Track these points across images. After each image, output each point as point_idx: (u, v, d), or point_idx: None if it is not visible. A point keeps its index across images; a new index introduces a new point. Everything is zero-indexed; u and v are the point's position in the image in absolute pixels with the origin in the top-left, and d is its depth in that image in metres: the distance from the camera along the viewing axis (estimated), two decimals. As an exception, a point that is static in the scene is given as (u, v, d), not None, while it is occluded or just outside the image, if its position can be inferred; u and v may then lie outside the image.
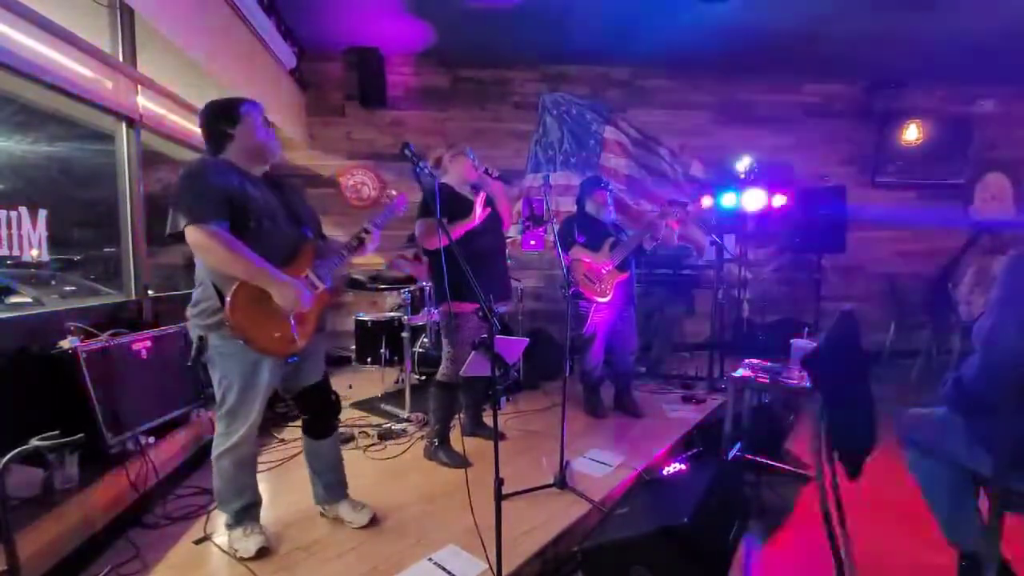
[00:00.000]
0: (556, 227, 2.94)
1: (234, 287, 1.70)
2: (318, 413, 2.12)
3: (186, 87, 3.41)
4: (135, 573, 1.86)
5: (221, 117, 1.82)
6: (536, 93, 5.39)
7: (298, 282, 1.80)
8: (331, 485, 2.19)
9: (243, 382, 1.82)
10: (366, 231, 2.03)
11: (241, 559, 1.91)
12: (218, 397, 1.87)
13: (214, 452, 1.91)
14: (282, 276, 1.75)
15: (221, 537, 2.08)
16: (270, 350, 1.79)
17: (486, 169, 2.78)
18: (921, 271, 5.57)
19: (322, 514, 2.23)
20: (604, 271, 3.35)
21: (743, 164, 4.82)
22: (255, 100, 1.90)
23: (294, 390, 2.05)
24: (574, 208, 5.36)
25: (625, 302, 3.45)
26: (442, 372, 2.79)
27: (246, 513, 1.98)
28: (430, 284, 3.47)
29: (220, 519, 2.21)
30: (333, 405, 2.16)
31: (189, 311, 1.85)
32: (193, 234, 1.65)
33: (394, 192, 2.22)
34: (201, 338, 1.81)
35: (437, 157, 2.82)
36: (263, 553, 1.92)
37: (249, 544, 1.92)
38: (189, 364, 1.87)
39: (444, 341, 2.80)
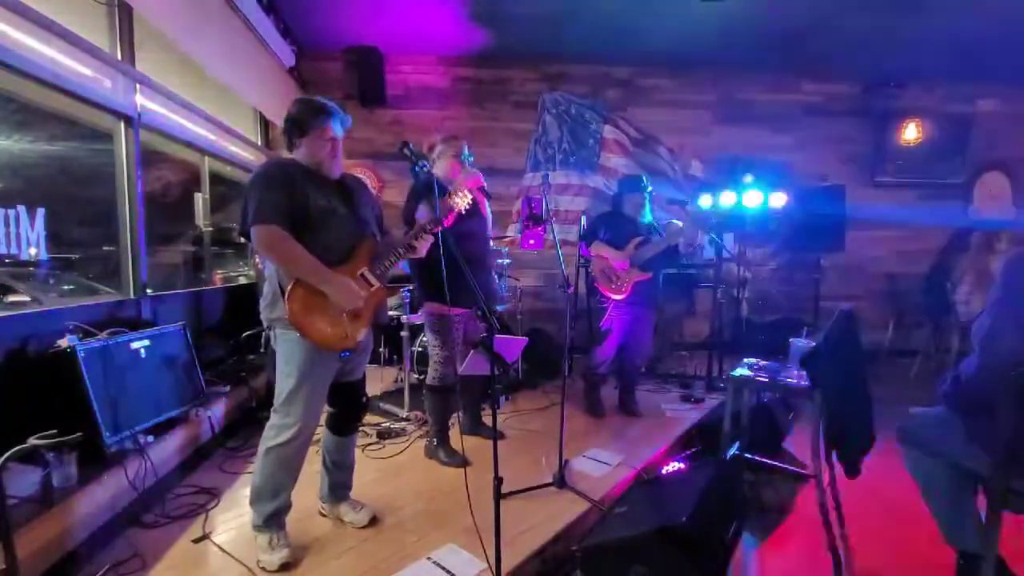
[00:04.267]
0: (555, 226, 2.93)
1: (292, 283, 1.81)
2: (345, 410, 2.16)
3: (185, 86, 3.40)
4: (134, 572, 1.86)
5: (294, 126, 1.92)
6: (536, 92, 5.39)
7: (350, 281, 1.87)
8: (337, 485, 2.21)
9: (301, 372, 1.88)
10: (425, 229, 2.05)
11: (265, 570, 1.87)
12: (277, 387, 1.93)
13: (266, 444, 1.92)
14: (334, 276, 1.83)
15: (220, 536, 2.09)
16: (324, 343, 1.86)
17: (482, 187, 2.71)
18: (920, 271, 5.57)
19: (321, 513, 2.24)
20: (620, 269, 3.35)
21: (745, 163, 4.83)
22: (338, 112, 1.94)
23: (335, 382, 2.07)
24: (574, 207, 5.38)
25: (645, 303, 3.42)
26: (431, 376, 2.74)
27: (275, 519, 1.95)
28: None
29: (219, 517, 2.23)
30: (362, 406, 2.21)
31: (261, 304, 1.95)
32: (255, 234, 1.78)
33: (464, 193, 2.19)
34: (270, 328, 1.93)
35: (431, 143, 2.74)
36: (286, 568, 1.87)
37: (273, 558, 1.87)
38: (262, 351, 1.92)
39: (432, 344, 2.72)
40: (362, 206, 2.03)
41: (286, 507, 1.99)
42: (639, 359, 3.58)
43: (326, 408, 2.11)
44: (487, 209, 2.81)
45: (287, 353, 1.90)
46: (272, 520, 1.94)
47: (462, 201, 2.21)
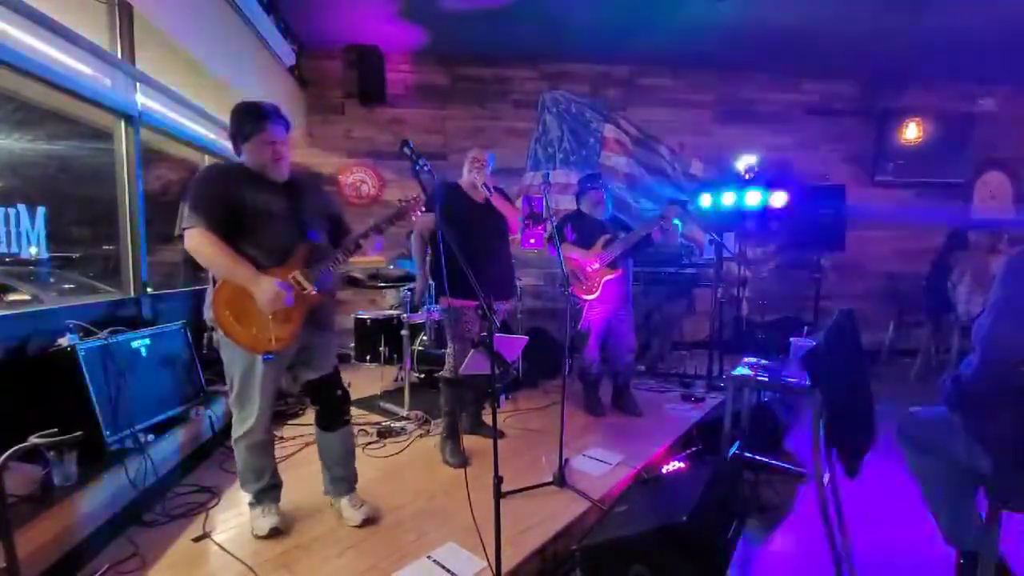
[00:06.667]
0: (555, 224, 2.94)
1: (218, 285, 1.86)
2: (324, 407, 2.19)
3: (185, 85, 3.40)
4: (134, 571, 1.86)
5: (236, 129, 1.94)
6: (536, 91, 5.39)
7: (278, 283, 1.85)
8: (336, 479, 2.22)
9: (242, 372, 1.96)
10: (365, 236, 2.06)
11: (256, 536, 2.06)
12: (228, 385, 2.03)
13: (232, 437, 2.06)
14: (259, 276, 1.84)
15: (220, 535, 2.09)
16: (247, 345, 1.89)
17: (486, 184, 2.74)
18: (920, 270, 5.55)
19: (332, 505, 2.25)
20: (589, 268, 3.35)
21: (745, 163, 4.82)
22: (278, 115, 1.95)
23: (300, 380, 2.16)
24: (574, 207, 5.39)
25: (620, 301, 3.44)
26: (445, 368, 2.83)
27: (265, 494, 2.11)
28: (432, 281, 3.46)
29: (219, 516, 2.24)
30: (338, 399, 2.20)
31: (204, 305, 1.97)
32: (186, 236, 1.83)
33: (410, 195, 2.18)
34: (213, 329, 1.95)
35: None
36: (275, 533, 2.05)
37: (264, 523, 2.05)
38: (204, 352, 1.98)
39: (448, 336, 2.83)
40: (308, 208, 2.02)
41: (274, 485, 2.14)
42: (626, 354, 3.55)
43: (311, 406, 2.22)
44: (502, 202, 2.80)
45: (228, 354, 1.97)
46: (263, 495, 2.10)
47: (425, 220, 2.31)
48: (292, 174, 2.02)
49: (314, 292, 1.95)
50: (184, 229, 1.82)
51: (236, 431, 2.04)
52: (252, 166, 1.94)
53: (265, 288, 1.82)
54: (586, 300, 3.37)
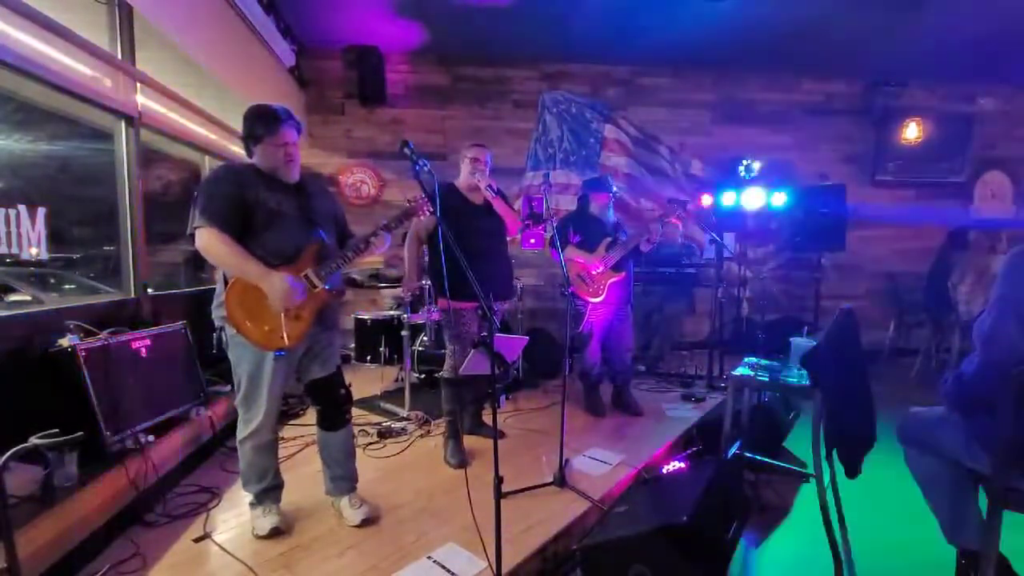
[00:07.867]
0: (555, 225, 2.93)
1: (231, 282, 1.86)
2: (326, 406, 2.19)
3: (185, 85, 3.40)
4: (134, 571, 1.86)
5: (248, 132, 1.96)
6: (536, 91, 5.39)
7: (290, 277, 1.87)
8: (336, 479, 2.23)
9: (251, 371, 1.97)
10: (374, 235, 2.08)
11: (257, 536, 2.06)
12: (235, 385, 2.04)
13: (237, 437, 2.07)
14: (271, 273, 1.85)
15: (221, 535, 2.09)
16: (260, 343, 1.89)
17: (490, 185, 2.74)
18: (921, 270, 5.55)
19: (333, 505, 2.26)
20: (595, 271, 3.36)
21: (754, 166, 4.83)
22: (291, 118, 1.97)
23: (306, 380, 2.17)
24: (575, 207, 5.38)
25: (621, 302, 3.46)
26: (445, 368, 2.83)
27: (266, 495, 2.11)
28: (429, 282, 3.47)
29: (220, 517, 2.24)
30: (340, 399, 2.21)
31: (213, 304, 1.98)
32: (197, 235, 1.84)
33: (418, 194, 2.18)
34: (221, 329, 1.97)
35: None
36: (276, 533, 2.06)
37: (264, 523, 2.06)
38: (214, 352, 2.07)
39: (447, 337, 2.83)
40: (317, 209, 2.05)
41: (276, 485, 2.15)
42: (627, 355, 3.56)
43: (312, 407, 2.21)
44: (503, 205, 2.79)
45: (237, 354, 1.98)
46: (264, 495, 2.11)
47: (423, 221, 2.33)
48: (301, 176, 2.05)
49: (325, 289, 1.98)
50: (195, 228, 1.83)
51: (242, 431, 2.04)
52: (264, 167, 1.96)
53: (277, 285, 1.84)
54: (591, 303, 3.38)
